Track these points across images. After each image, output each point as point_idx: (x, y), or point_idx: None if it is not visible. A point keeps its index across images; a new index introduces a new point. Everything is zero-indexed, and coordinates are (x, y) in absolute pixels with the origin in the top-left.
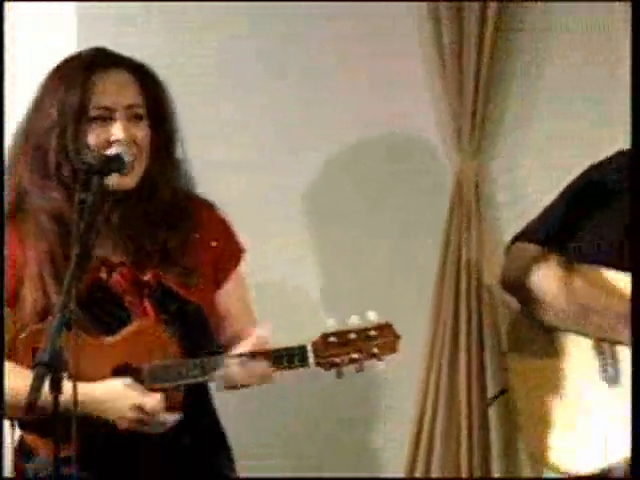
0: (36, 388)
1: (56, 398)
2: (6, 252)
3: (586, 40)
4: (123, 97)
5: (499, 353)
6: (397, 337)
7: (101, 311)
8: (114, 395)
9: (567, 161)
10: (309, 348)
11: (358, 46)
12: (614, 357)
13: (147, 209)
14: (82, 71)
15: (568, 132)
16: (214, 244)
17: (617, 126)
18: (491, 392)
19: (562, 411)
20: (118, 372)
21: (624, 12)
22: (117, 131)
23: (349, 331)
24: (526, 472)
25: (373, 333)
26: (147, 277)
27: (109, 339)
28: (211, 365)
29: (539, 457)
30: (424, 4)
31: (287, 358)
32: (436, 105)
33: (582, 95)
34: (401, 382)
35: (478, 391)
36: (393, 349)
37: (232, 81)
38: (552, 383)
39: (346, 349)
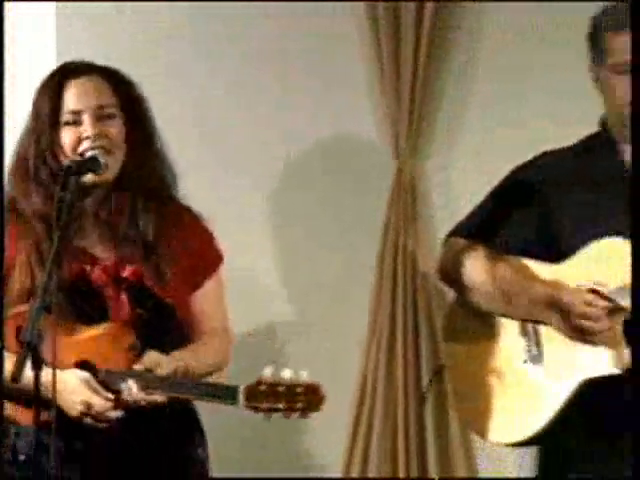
0: (19, 364)
1: (37, 375)
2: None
3: (519, 41)
4: (92, 99)
5: (433, 337)
6: (322, 398)
7: (82, 301)
8: (70, 387)
9: (500, 161)
10: (241, 390)
11: (299, 48)
12: (537, 338)
13: (133, 201)
14: (55, 81)
15: (502, 133)
16: (193, 249)
17: (549, 127)
18: (426, 371)
19: (492, 388)
20: (81, 366)
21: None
22: (87, 128)
23: (280, 384)
24: (458, 450)
25: (300, 390)
26: (126, 273)
27: (81, 333)
28: (149, 381)
29: (473, 430)
30: (361, 4)
31: (219, 396)
32: (375, 106)
33: (516, 96)
34: (342, 370)
35: (414, 371)
36: (317, 409)
37: (184, 81)
38: (483, 364)
39: (274, 400)
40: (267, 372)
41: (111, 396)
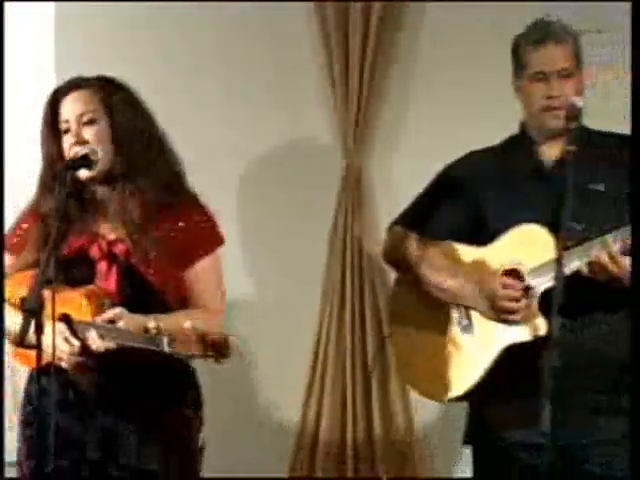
0: (23, 329)
1: (39, 338)
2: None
3: (465, 41)
4: (77, 109)
5: (376, 309)
6: (229, 347)
7: (77, 270)
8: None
9: (436, 159)
10: (164, 339)
11: (257, 52)
12: (467, 311)
13: (123, 188)
14: (53, 98)
15: (437, 134)
16: (185, 231)
17: (481, 128)
18: (370, 338)
19: (430, 354)
20: (61, 318)
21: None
22: (72, 133)
23: (194, 334)
24: (396, 401)
25: (210, 340)
26: (118, 251)
27: (67, 293)
28: (105, 330)
29: (414, 389)
30: (311, 6)
31: (149, 343)
32: (326, 109)
33: (451, 101)
34: (299, 336)
35: (361, 337)
36: (226, 356)
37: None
38: (423, 333)
39: (190, 346)
40: (187, 324)
41: (76, 343)
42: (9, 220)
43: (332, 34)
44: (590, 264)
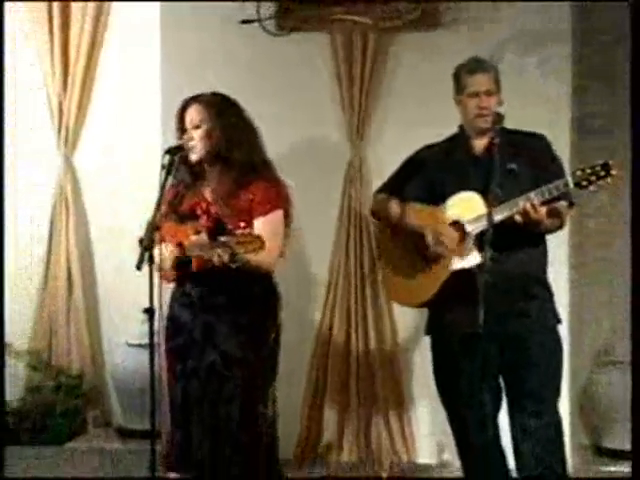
0: (141, 257)
1: (151, 266)
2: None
3: (432, 64)
4: (191, 119)
5: (371, 248)
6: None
7: (188, 218)
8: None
9: (411, 148)
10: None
11: (286, 70)
12: (429, 248)
13: (221, 167)
14: (181, 107)
15: (414, 131)
16: (251, 197)
17: (445, 126)
18: (367, 267)
19: (405, 274)
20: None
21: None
22: (186, 137)
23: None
24: (385, 313)
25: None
26: (213, 210)
27: (184, 227)
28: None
29: (393, 299)
30: (326, 36)
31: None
32: (336, 112)
33: (425, 106)
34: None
35: (360, 267)
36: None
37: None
38: (401, 259)
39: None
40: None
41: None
42: None
43: (340, 58)
44: (519, 212)
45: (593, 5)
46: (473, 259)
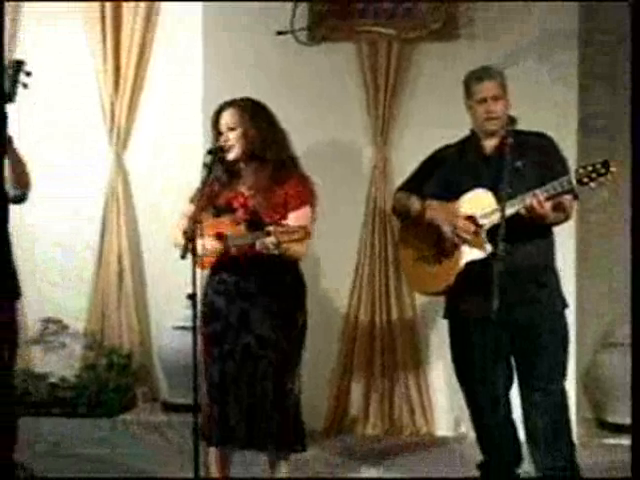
0: (184, 248)
1: (194, 256)
2: None
3: (449, 72)
4: (227, 122)
5: (394, 240)
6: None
7: (225, 212)
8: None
9: (429, 150)
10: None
11: (318, 78)
12: (446, 241)
13: (255, 166)
14: (217, 111)
15: (432, 133)
16: (285, 192)
17: (459, 129)
18: (392, 253)
19: (422, 265)
20: (216, 235)
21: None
22: (223, 139)
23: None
24: (406, 293)
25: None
26: (250, 204)
27: (217, 221)
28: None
29: (412, 287)
30: (352, 46)
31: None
32: (361, 117)
33: (441, 110)
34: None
35: (384, 256)
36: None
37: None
38: (418, 251)
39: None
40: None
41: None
42: None
43: (366, 67)
44: (526, 207)
45: (597, 5)
46: (485, 251)
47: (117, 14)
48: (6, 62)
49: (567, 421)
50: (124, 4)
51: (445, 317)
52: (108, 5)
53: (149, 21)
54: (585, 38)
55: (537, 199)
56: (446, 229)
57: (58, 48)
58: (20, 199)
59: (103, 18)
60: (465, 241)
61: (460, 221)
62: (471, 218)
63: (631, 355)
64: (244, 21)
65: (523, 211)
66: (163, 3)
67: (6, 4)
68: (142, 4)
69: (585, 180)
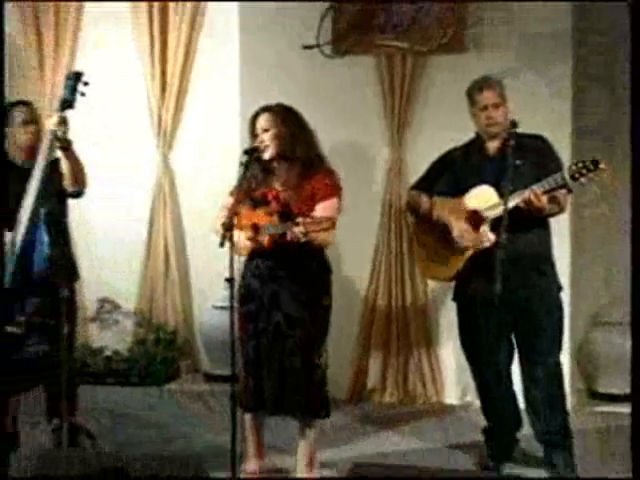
0: (223, 237)
1: (231, 244)
2: None
3: (455, 87)
4: (262, 125)
5: (409, 235)
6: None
7: (261, 203)
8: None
9: (441, 151)
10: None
11: (342, 88)
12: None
13: (287, 164)
14: (253, 115)
15: (443, 135)
16: (313, 186)
17: (466, 133)
18: (406, 246)
19: (435, 255)
20: (253, 226)
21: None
22: (259, 140)
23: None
24: (420, 280)
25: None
26: (282, 196)
27: (253, 212)
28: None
29: (426, 275)
30: (372, 59)
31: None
32: (379, 122)
33: (453, 115)
34: (361, 259)
35: (400, 248)
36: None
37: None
38: (431, 242)
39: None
40: (300, 219)
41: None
42: None
43: (384, 77)
44: (524, 201)
45: (591, 5)
46: (490, 240)
47: (164, 15)
48: (68, 73)
49: (562, 391)
50: (170, 5)
51: (454, 299)
52: (156, 7)
53: (195, 21)
54: (579, 38)
55: (534, 193)
56: (455, 231)
57: (108, 53)
58: (77, 194)
59: (151, 21)
60: (469, 242)
61: (466, 223)
62: (476, 212)
63: (631, 332)
64: (276, 36)
65: (522, 204)
66: (206, 8)
67: (69, 5)
68: (188, 4)
69: (576, 176)
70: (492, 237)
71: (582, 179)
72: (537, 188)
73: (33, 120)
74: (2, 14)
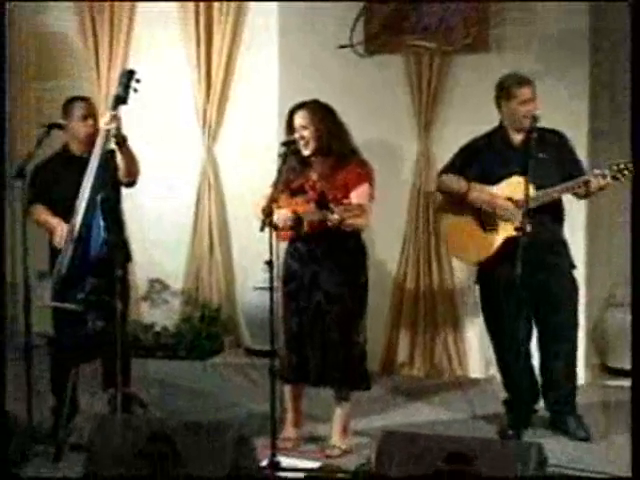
0: (263, 224)
1: (270, 229)
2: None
3: (480, 80)
4: (300, 122)
5: (434, 217)
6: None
7: (302, 192)
8: (281, 217)
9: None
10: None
11: (373, 88)
12: (489, 217)
13: (325, 160)
14: (290, 112)
15: (466, 129)
16: (346, 176)
17: (488, 125)
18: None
19: (462, 235)
20: (293, 212)
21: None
22: (298, 136)
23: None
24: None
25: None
26: (318, 186)
27: (296, 199)
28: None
29: (454, 255)
30: (400, 58)
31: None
32: (408, 117)
33: (475, 112)
34: (392, 243)
35: (427, 229)
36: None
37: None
38: (459, 224)
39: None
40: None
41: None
42: None
43: (412, 75)
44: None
45: (606, 5)
46: (525, 228)
47: (209, 15)
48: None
49: (574, 365)
50: (215, 5)
51: (476, 282)
52: (202, 7)
53: (237, 21)
54: (594, 41)
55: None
56: (499, 206)
57: (159, 53)
58: (130, 184)
59: (197, 22)
60: (504, 218)
61: (500, 200)
62: (510, 199)
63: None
64: (312, 36)
65: (579, 191)
66: (247, 8)
67: (123, 6)
68: (232, 4)
69: (618, 176)
70: (529, 226)
71: (622, 179)
72: (594, 177)
73: (91, 114)
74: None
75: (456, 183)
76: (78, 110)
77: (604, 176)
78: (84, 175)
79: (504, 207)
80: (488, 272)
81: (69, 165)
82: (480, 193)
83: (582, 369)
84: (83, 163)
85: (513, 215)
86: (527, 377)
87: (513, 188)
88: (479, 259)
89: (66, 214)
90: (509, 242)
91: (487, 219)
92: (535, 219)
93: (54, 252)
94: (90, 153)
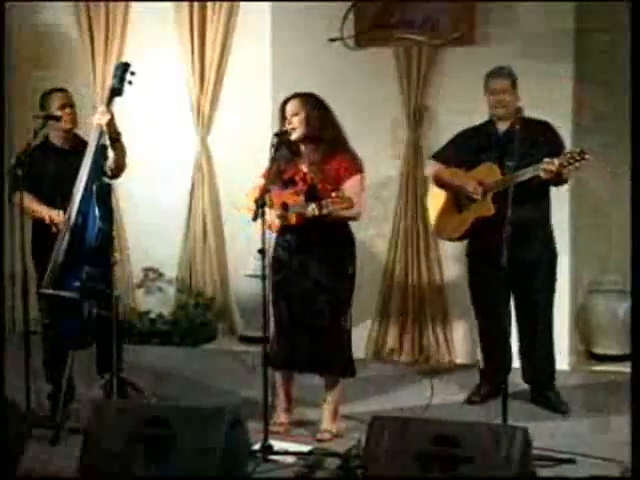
0: (255, 215)
1: (263, 220)
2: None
3: (468, 73)
4: (291, 109)
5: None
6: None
7: (289, 185)
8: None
9: (455, 131)
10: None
11: (370, 83)
12: (464, 199)
13: (313, 146)
14: (283, 102)
15: (456, 119)
16: (337, 167)
17: (481, 119)
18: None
19: (448, 215)
20: (283, 204)
21: None
22: (288, 123)
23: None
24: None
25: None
26: (308, 177)
27: (285, 192)
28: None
29: (438, 234)
30: (391, 51)
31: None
32: (398, 103)
33: (466, 102)
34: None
35: (416, 214)
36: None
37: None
38: (444, 204)
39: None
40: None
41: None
42: None
43: (402, 67)
44: (544, 171)
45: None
46: (490, 211)
47: (202, 13)
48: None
49: (551, 338)
50: (208, 5)
51: (467, 255)
52: (196, 6)
53: (229, 21)
54: (580, 38)
55: (554, 165)
56: (470, 186)
57: (154, 47)
58: (115, 176)
59: (191, 18)
60: (472, 199)
61: (471, 185)
62: (481, 183)
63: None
64: (304, 30)
65: (542, 174)
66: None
67: (117, 5)
68: (225, 4)
69: (565, 164)
70: (491, 208)
71: (570, 167)
72: (556, 161)
73: (68, 104)
74: (2, 14)
75: (439, 168)
76: (56, 100)
77: (553, 163)
78: (64, 166)
79: (469, 189)
80: (476, 248)
81: (51, 157)
82: (455, 176)
83: (566, 355)
84: (64, 154)
85: (480, 196)
86: (504, 351)
87: (485, 173)
88: (456, 235)
89: (48, 204)
90: (480, 221)
91: (462, 200)
92: (521, 202)
93: (37, 239)
94: (71, 144)
